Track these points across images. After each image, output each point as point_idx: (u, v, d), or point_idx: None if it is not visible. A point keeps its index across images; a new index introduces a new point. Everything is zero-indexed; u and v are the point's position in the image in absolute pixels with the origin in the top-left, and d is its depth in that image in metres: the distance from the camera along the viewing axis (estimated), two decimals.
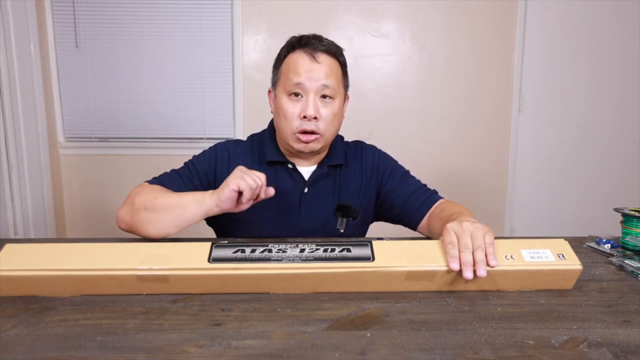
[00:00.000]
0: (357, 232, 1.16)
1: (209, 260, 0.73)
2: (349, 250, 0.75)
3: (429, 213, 1.11)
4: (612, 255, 0.97)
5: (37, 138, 2.50)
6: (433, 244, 0.78)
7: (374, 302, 0.72)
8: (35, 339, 0.61)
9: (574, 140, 2.92)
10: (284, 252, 0.75)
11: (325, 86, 1.04)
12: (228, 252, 0.74)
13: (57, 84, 2.71)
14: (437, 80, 2.83)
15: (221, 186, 0.93)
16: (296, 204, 1.12)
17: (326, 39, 1.08)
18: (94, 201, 2.80)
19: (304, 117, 1.04)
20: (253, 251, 0.75)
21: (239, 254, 0.74)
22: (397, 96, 2.83)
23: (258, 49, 2.72)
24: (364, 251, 0.75)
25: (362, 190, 1.16)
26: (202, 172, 1.11)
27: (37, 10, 2.48)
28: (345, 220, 1.12)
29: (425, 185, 1.17)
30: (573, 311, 0.70)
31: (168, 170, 1.13)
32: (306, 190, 1.12)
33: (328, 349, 0.59)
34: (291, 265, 0.73)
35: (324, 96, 1.05)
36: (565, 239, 1.01)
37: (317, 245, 0.77)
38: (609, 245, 1.02)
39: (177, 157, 1.18)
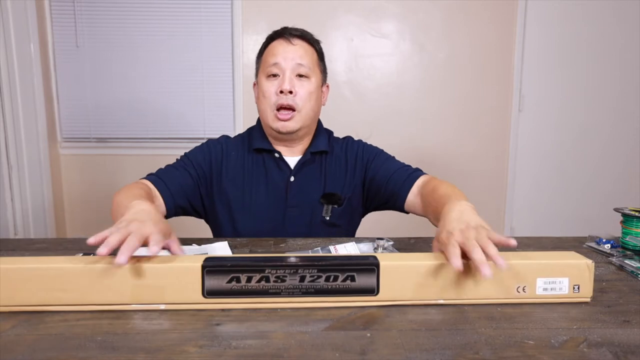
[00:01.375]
0: (345, 221, 1.19)
1: (203, 294, 0.69)
2: (352, 280, 0.70)
3: (415, 190, 1.09)
4: (612, 255, 0.97)
5: (37, 138, 2.50)
6: (443, 266, 0.72)
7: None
8: (35, 339, 0.61)
9: (573, 140, 2.92)
10: (282, 281, 0.69)
11: (300, 64, 1.11)
12: (222, 282, 0.69)
13: (57, 84, 2.71)
14: (437, 80, 2.83)
15: (127, 218, 0.75)
16: (283, 192, 1.15)
17: (302, 30, 1.16)
18: (94, 201, 2.80)
19: (281, 92, 1.09)
20: (249, 280, 0.69)
21: (234, 285, 0.69)
22: (397, 96, 2.83)
23: (258, 49, 2.71)
24: (369, 280, 0.70)
25: (348, 178, 1.19)
26: (196, 163, 1.15)
27: (37, 10, 2.49)
28: (330, 207, 1.15)
29: (410, 166, 1.16)
30: (573, 311, 0.70)
31: (163, 166, 1.16)
32: (292, 178, 1.16)
33: (328, 349, 0.59)
34: (290, 299, 0.70)
35: (300, 75, 1.11)
36: (565, 239, 1.01)
37: (318, 269, 0.69)
38: (609, 245, 1.02)
39: (177, 157, 1.19)
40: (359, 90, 2.81)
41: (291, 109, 1.11)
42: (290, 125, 1.12)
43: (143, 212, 0.76)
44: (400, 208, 1.14)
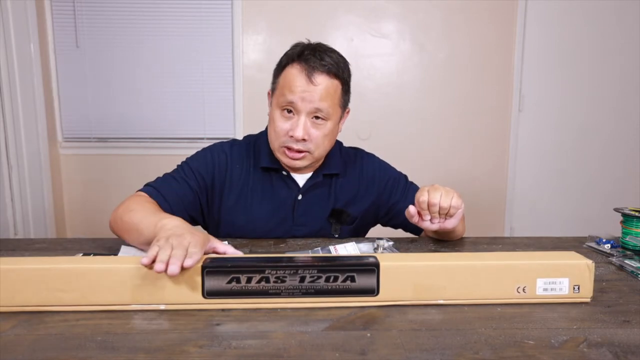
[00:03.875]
0: (353, 236, 1.15)
1: (203, 295, 0.69)
2: (352, 280, 0.70)
3: None
4: (612, 255, 0.97)
5: (37, 138, 2.50)
6: (443, 267, 0.72)
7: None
8: (35, 339, 0.61)
9: (573, 140, 2.91)
10: (282, 281, 0.69)
11: (318, 109, 1.01)
12: (222, 282, 0.69)
13: (57, 84, 2.71)
14: (437, 80, 2.82)
15: (164, 236, 0.76)
16: (290, 211, 1.11)
17: (329, 56, 1.03)
18: (94, 201, 2.80)
19: (292, 136, 1.02)
20: (249, 280, 0.69)
21: (234, 285, 0.69)
22: (397, 96, 2.83)
23: (258, 49, 2.72)
24: (369, 280, 0.70)
25: (359, 198, 1.16)
26: (198, 174, 1.09)
27: (37, 10, 2.48)
28: (339, 226, 1.13)
29: None
30: (573, 311, 0.70)
31: (161, 175, 1.11)
32: (300, 197, 1.12)
33: (328, 349, 0.59)
34: (290, 300, 0.70)
35: (316, 117, 1.03)
36: (565, 239, 1.01)
37: (318, 270, 0.69)
38: (609, 245, 1.02)
39: (177, 157, 1.18)
40: (359, 90, 2.81)
41: (301, 152, 1.04)
42: (299, 164, 1.06)
43: (177, 227, 0.79)
44: (416, 235, 1.20)
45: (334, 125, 1.06)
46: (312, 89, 1.00)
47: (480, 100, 2.84)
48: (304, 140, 1.02)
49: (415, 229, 1.18)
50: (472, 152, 2.88)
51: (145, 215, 0.91)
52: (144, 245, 0.89)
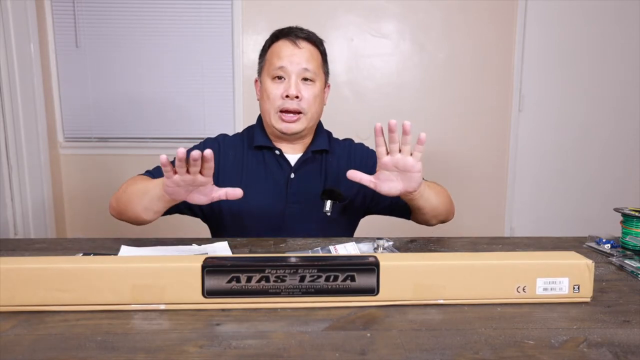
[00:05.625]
0: (345, 218, 1.21)
1: (203, 294, 0.69)
2: (352, 279, 0.70)
3: None
4: (612, 255, 0.97)
5: (37, 138, 2.50)
6: (443, 267, 0.72)
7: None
8: (35, 339, 0.61)
9: (573, 140, 2.91)
10: (282, 280, 0.69)
11: (306, 69, 1.12)
12: (222, 282, 0.69)
13: (57, 84, 2.71)
14: (437, 80, 2.82)
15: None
16: (283, 189, 1.17)
17: (307, 30, 1.16)
18: (94, 201, 2.80)
19: (287, 96, 1.11)
20: (249, 280, 0.69)
21: (234, 285, 0.69)
22: (397, 96, 2.83)
23: (258, 49, 2.70)
24: (369, 280, 0.70)
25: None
26: None
27: (37, 10, 2.48)
28: (331, 202, 1.16)
29: None
30: (573, 311, 0.70)
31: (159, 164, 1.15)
32: (292, 175, 1.18)
33: (328, 349, 0.59)
34: (290, 299, 0.70)
35: (305, 79, 1.13)
36: (565, 239, 1.01)
37: (318, 269, 0.69)
38: (609, 245, 1.02)
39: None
40: (359, 90, 2.81)
41: (297, 112, 1.13)
42: (295, 127, 1.14)
43: None
44: (406, 219, 1.22)
45: (321, 89, 1.17)
46: (298, 51, 1.12)
47: (480, 100, 2.84)
48: (297, 98, 1.11)
49: (403, 212, 1.20)
50: (472, 152, 2.88)
51: (148, 181, 1.02)
52: (149, 203, 0.96)
